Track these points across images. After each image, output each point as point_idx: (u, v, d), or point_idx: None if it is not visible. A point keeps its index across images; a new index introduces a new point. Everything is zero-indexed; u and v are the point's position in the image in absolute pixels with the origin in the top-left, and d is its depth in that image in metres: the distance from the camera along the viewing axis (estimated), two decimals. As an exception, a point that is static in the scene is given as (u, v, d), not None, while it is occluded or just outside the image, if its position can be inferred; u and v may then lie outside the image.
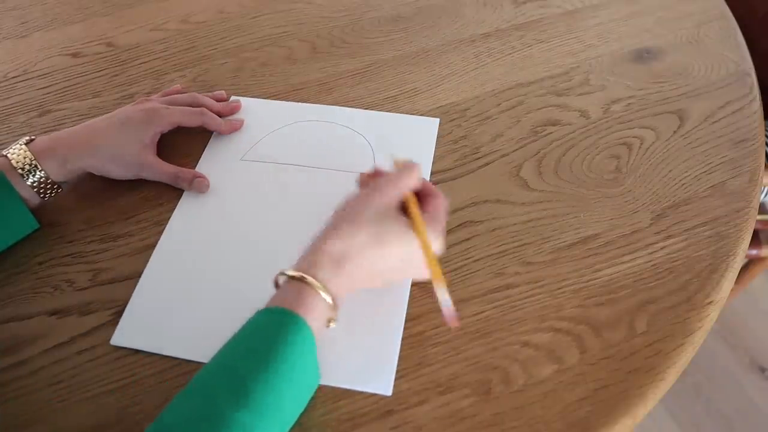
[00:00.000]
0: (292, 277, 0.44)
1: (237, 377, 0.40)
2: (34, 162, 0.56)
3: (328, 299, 0.44)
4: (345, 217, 0.47)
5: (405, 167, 0.50)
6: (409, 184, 0.49)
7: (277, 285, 0.47)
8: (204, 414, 0.38)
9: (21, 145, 0.56)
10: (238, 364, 0.41)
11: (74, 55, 0.76)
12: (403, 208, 0.49)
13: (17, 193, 0.55)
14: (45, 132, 0.67)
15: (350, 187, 0.60)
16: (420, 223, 0.47)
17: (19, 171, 0.55)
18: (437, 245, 0.49)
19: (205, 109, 0.65)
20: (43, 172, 0.56)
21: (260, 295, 0.49)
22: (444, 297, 0.46)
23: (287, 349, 0.41)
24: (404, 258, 0.47)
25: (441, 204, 0.50)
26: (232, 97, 0.69)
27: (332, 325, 0.46)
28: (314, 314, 0.43)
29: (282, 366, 0.40)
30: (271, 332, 0.42)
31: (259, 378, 0.40)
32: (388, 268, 0.48)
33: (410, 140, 0.65)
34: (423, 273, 0.48)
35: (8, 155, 0.56)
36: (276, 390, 0.40)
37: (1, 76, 0.74)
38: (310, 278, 0.44)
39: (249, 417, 0.38)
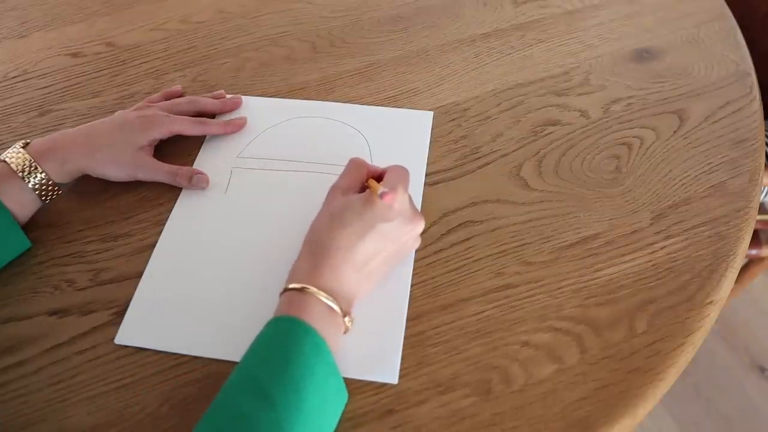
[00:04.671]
0: (294, 289, 0.46)
1: (257, 385, 0.41)
2: (33, 164, 0.55)
3: (331, 304, 0.46)
4: (312, 230, 0.50)
5: (348, 165, 0.53)
6: (350, 178, 0.52)
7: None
8: (233, 422, 0.40)
9: (18, 148, 0.56)
10: (257, 373, 0.42)
11: (74, 55, 0.76)
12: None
13: (8, 212, 0.54)
14: (45, 132, 0.67)
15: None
16: (370, 184, 0.52)
17: (19, 174, 0.55)
18: (403, 196, 0.50)
19: (205, 118, 0.65)
20: (43, 173, 0.56)
21: (260, 289, 0.53)
22: (381, 190, 0.48)
23: (298, 351, 0.43)
24: (373, 227, 0.48)
25: (396, 168, 0.52)
26: (228, 96, 0.69)
27: (350, 325, 0.47)
28: (319, 318, 0.45)
29: (297, 368, 0.42)
30: (281, 340, 0.44)
31: (277, 381, 0.41)
32: (373, 248, 0.49)
33: (405, 133, 0.65)
34: (409, 234, 0.51)
35: (6, 159, 0.55)
36: (297, 390, 0.41)
37: (1, 76, 0.74)
38: (311, 287, 0.46)
39: (275, 414, 0.40)
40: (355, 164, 0.54)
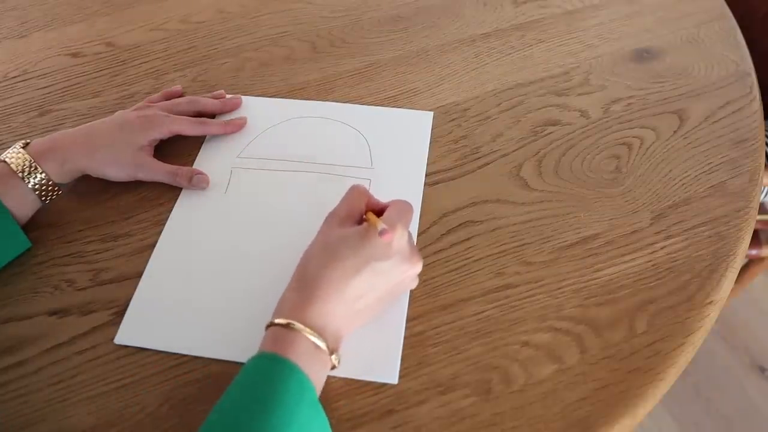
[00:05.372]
0: (280, 324, 0.44)
1: (239, 429, 0.40)
2: (33, 164, 0.55)
3: (317, 341, 0.44)
4: (305, 259, 0.48)
5: (349, 192, 0.51)
6: (350, 207, 0.50)
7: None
8: None
9: (18, 148, 0.56)
10: (239, 415, 0.40)
11: (74, 55, 0.76)
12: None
13: (8, 212, 0.54)
14: (45, 132, 0.67)
15: (345, 182, 0.60)
16: (369, 217, 0.49)
17: (19, 174, 0.55)
18: (403, 234, 0.48)
19: (205, 119, 0.65)
20: (43, 174, 0.56)
21: (259, 289, 0.52)
22: (381, 226, 0.46)
23: (282, 390, 0.41)
24: (368, 263, 0.46)
25: (399, 203, 0.50)
26: (228, 96, 0.69)
27: (336, 363, 0.46)
28: (304, 355, 0.43)
29: (281, 408, 0.40)
30: (265, 379, 0.42)
31: (261, 423, 0.39)
32: (366, 285, 0.46)
33: (405, 133, 0.65)
34: (407, 273, 0.49)
35: (6, 160, 0.55)
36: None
37: (1, 76, 0.74)
38: (297, 324, 0.44)
39: None
40: (356, 192, 0.51)
